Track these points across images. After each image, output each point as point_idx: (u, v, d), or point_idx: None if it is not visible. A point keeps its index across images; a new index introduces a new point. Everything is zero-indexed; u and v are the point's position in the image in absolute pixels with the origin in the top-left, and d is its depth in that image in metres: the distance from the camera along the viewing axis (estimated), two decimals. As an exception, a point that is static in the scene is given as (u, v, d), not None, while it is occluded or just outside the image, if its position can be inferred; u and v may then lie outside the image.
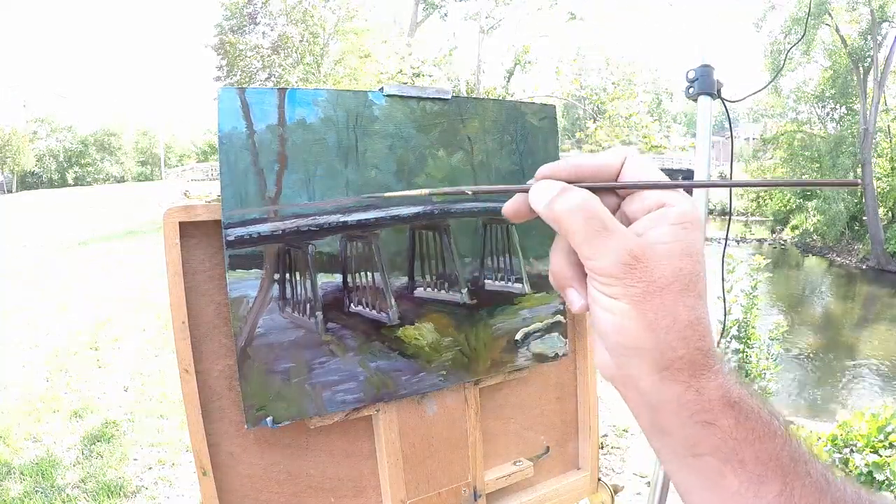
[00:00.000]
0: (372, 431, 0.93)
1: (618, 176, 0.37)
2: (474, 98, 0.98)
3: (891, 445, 3.21)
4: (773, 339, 5.30)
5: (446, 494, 0.99)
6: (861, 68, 19.19)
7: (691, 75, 1.36)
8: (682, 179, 0.39)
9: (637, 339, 0.33)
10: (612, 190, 0.37)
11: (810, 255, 20.49)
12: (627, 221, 0.37)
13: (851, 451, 3.22)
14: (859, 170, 18.74)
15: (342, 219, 0.84)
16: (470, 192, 0.44)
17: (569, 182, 0.37)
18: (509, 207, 0.39)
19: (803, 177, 20.51)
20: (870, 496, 0.35)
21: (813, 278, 18.26)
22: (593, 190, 0.36)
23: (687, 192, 0.37)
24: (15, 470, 2.92)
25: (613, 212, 0.37)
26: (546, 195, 0.36)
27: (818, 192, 20.26)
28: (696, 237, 0.34)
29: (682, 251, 0.34)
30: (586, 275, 0.38)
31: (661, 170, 0.39)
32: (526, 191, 0.38)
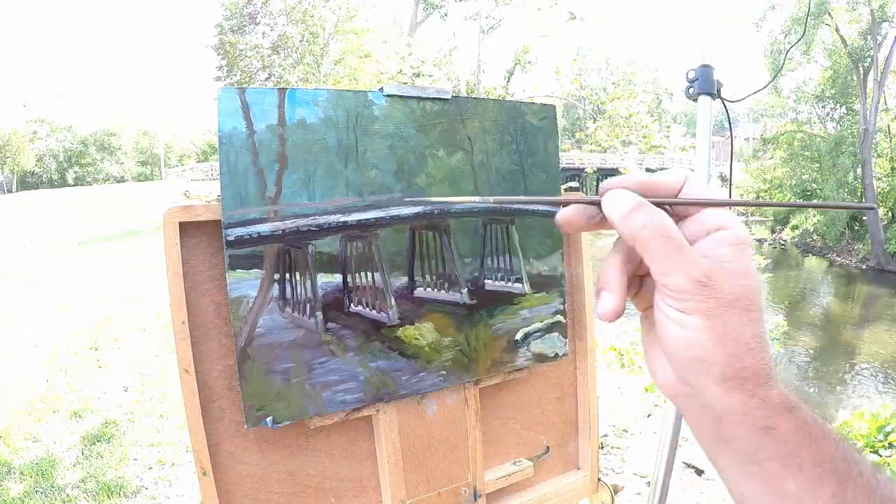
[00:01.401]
0: (372, 431, 0.93)
1: (677, 195, 0.40)
2: (474, 98, 0.98)
3: (891, 445, 3.22)
4: (773, 340, 5.30)
5: (446, 494, 0.99)
6: (861, 68, 19.19)
7: (691, 75, 1.36)
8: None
9: (708, 352, 0.35)
10: (670, 208, 0.40)
11: (810, 255, 20.49)
12: (688, 241, 0.39)
13: (875, 464, 3.22)
14: (859, 170, 18.74)
15: (342, 219, 0.84)
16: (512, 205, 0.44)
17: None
18: (563, 217, 0.41)
19: (803, 178, 20.54)
20: None
21: (813, 278, 18.26)
22: (660, 205, 0.38)
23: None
24: (15, 470, 2.92)
25: None
26: (624, 207, 0.37)
27: (818, 192, 20.27)
28: (750, 257, 0.37)
29: (744, 271, 0.36)
30: (633, 285, 0.41)
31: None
32: (594, 203, 0.39)
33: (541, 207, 1.01)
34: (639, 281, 0.42)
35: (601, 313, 0.40)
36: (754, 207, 25.21)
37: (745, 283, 0.36)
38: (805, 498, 0.35)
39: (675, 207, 0.39)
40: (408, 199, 0.89)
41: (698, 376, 0.37)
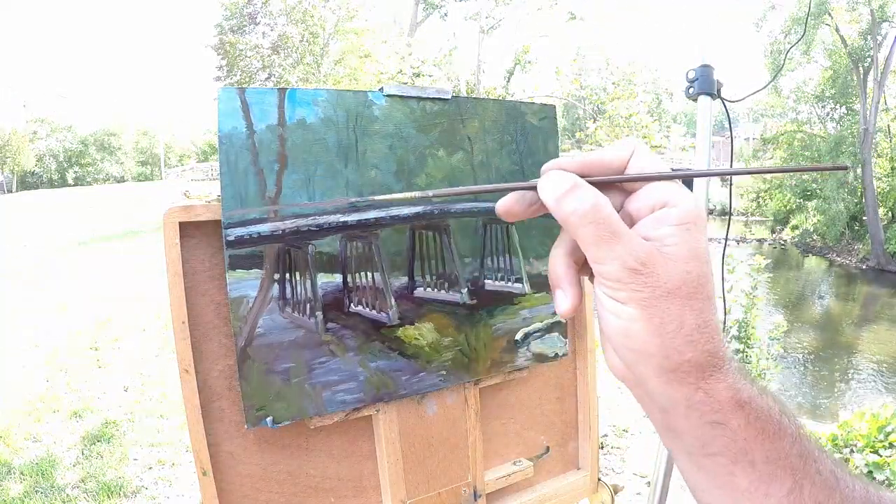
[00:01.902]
0: (372, 431, 0.93)
1: (625, 170, 0.37)
2: (474, 98, 0.98)
3: (891, 445, 3.22)
4: (773, 339, 5.30)
5: (446, 494, 0.99)
6: (861, 68, 19.19)
7: (691, 75, 1.36)
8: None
9: (644, 343, 0.33)
10: (618, 185, 0.37)
11: (810, 255, 20.49)
12: (630, 219, 0.36)
13: (852, 451, 3.22)
14: (859, 170, 18.74)
15: (342, 219, 0.84)
16: (470, 192, 0.43)
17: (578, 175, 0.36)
18: (502, 205, 0.38)
19: (803, 177, 20.51)
20: (878, 492, 0.35)
21: (813, 278, 18.26)
22: (600, 184, 0.35)
23: (686, 184, 0.36)
24: (15, 470, 2.92)
25: (618, 209, 0.36)
26: (556, 189, 0.35)
27: (818, 191, 20.26)
28: (700, 237, 0.34)
29: (688, 254, 0.33)
30: (580, 277, 0.38)
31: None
32: (531, 188, 0.37)
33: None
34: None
35: (560, 313, 0.38)
36: (755, 208, 25.23)
37: (686, 269, 0.33)
38: (757, 494, 0.33)
39: (625, 184, 0.36)
40: (354, 200, 0.85)
41: (637, 367, 0.35)
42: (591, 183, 0.35)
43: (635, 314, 0.33)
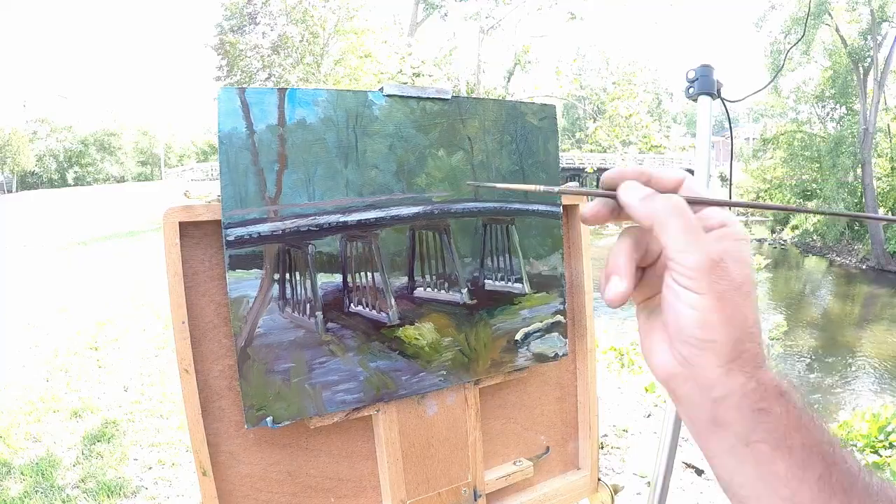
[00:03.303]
0: (372, 431, 0.93)
1: (678, 192, 0.42)
2: (474, 98, 0.98)
3: (891, 445, 3.22)
4: (773, 340, 5.31)
5: (446, 494, 0.99)
6: (861, 68, 19.19)
7: (691, 75, 1.35)
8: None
9: (715, 332, 0.37)
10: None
11: (810, 255, 20.49)
12: None
13: (851, 451, 3.22)
14: (859, 170, 18.74)
15: (342, 219, 0.84)
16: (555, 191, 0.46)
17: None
18: (591, 210, 0.43)
19: (804, 178, 20.53)
20: (891, 487, 0.38)
21: (813, 278, 18.26)
22: None
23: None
24: (15, 470, 2.92)
25: None
26: (641, 192, 0.40)
27: (818, 191, 20.27)
28: (750, 252, 0.40)
29: (746, 262, 0.39)
30: (639, 271, 0.42)
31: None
32: (610, 196, 0.41)
33: (541, 207, 1.01)
34: (640, 272, 0.43)
35: (610, 297, 0.40)
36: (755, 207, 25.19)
37: (748, 272, 0.38)
38: (793, 480, 0.36)
39: None
40: (470, 183, 0.91)
41: (701, 357, 0.38)
42: None
43: (712, 305, 0.37)
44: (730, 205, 0.41)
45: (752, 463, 0.37)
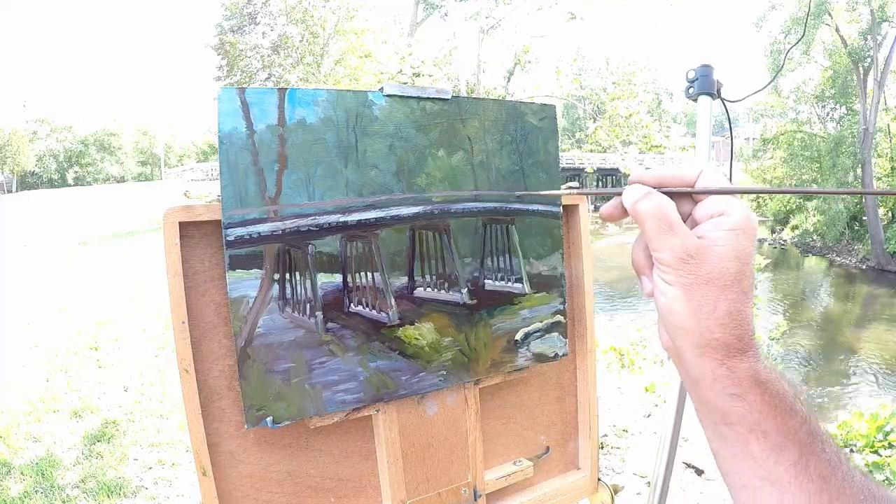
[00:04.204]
0: (372, 431, 0.93)
1: (694, 184, 0.44)
2: (474, 98, 0.98)
3: (890, 445, 3.22)
4: (773, 340, 5.30)
5: (446, 494, 0.99)
6: (861, 68, 19.19)
7: (691, 75, 1.35)
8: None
9: (683, 320, 0.41)
10: (688, 196, 0.45)
11: (810, 255, 20.48)
12: (694, 223, 0.44)
13: (851, 451, 3.22)
14: (859, 170, 18.74)
15: (342, 219, 0.84)
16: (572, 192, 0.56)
17: (654, 188, 0.44)
18: (606, 210, 0.47)
19: (804, 178, 20.53)
20: (878, 488, 0.39)
21: (813, 278, 18.26)
22: (672, 194, 0.44)
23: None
24: (15, 470, 2.92)
25: (686, 216, 0.44)
26: (634, 195, 0.44)
27: (818, 192, 20.21)
28: (745, 242, 0.41)
29: (732, 253, 0.40)
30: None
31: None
32: (618, 194, 0.46)
33: (541, 207, 1.01)
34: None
35: (646, 293, 0.45)
36: (755, 208, 25.21)
37: (727, 266, 0.40)
38: (768, 462, 0.39)
39: (694, 195, 0.45)
40: (519, 194, 0.96)
41: (678, 340, 0.42)
42: (665, 193, 0.44)
43: (679, 295, 0.41)
44: (733, 192, 0.43)
45: (730, 442, 0.41)
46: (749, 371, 0.40)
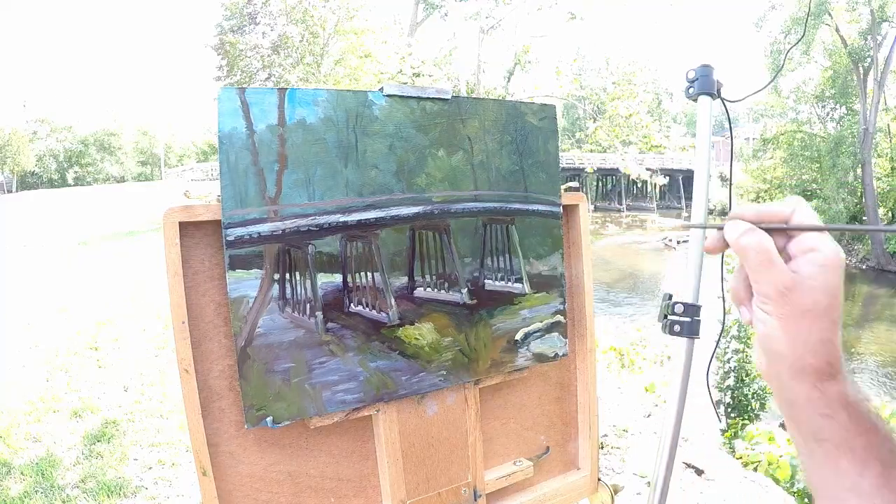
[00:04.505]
0: (372, 431, 0.93)
1: (788, 221, 0.48)
2: (474, 98, 0.98)
3: (891, 445, 3.20)
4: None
5: (446, 494, 0.99)
6: (861, 68, 19.18)
7: (691, 75, 1.35)
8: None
9: (780, 347, 0.45)
10: (783, 231, 0.48)
11: (810, 255, 20.42)
12: (789, 257, 0.47)
13: None
14: (859, 170, 18.73)
15: (342, 219, 0.84)
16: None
17: (753, 223, 0.48)
18: (709, 244, 0.51)
19: (804, 178, 20.52)
20: None
21: (813, 278, 18.20)
22: (769, 230, 0.47)
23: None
24: (15, 470, 2.92)
25: (782, 248, 0.47)
26: (736, 232, 0.47)
27: (818, 192, 20.26)
28: (834, 277, 0.45)
29: (823, 287, 0.44)
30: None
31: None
32: (720, 228, 0.50)
33: (541, 207, 1.01)
34: None
35: (746, 322, 0.49)
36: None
37: (819, 299, 0.44)
38: (854, 475, 0.43)
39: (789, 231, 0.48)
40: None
41: (775, 365, 0.46)
42: (763, 229, 0.47)
43: (777, 325, 0.45)
44: (824, 229, 0.46)
45: (821, 457, 0.45)
46: (839, 393, 0.44)
